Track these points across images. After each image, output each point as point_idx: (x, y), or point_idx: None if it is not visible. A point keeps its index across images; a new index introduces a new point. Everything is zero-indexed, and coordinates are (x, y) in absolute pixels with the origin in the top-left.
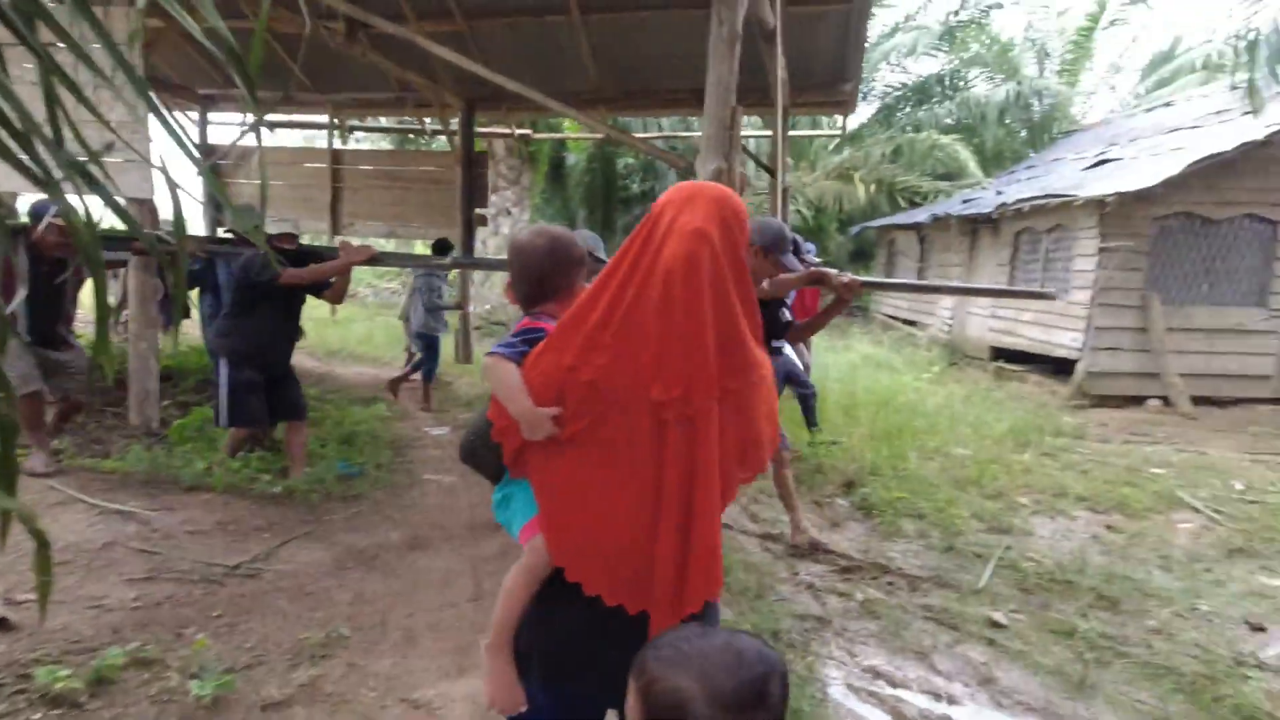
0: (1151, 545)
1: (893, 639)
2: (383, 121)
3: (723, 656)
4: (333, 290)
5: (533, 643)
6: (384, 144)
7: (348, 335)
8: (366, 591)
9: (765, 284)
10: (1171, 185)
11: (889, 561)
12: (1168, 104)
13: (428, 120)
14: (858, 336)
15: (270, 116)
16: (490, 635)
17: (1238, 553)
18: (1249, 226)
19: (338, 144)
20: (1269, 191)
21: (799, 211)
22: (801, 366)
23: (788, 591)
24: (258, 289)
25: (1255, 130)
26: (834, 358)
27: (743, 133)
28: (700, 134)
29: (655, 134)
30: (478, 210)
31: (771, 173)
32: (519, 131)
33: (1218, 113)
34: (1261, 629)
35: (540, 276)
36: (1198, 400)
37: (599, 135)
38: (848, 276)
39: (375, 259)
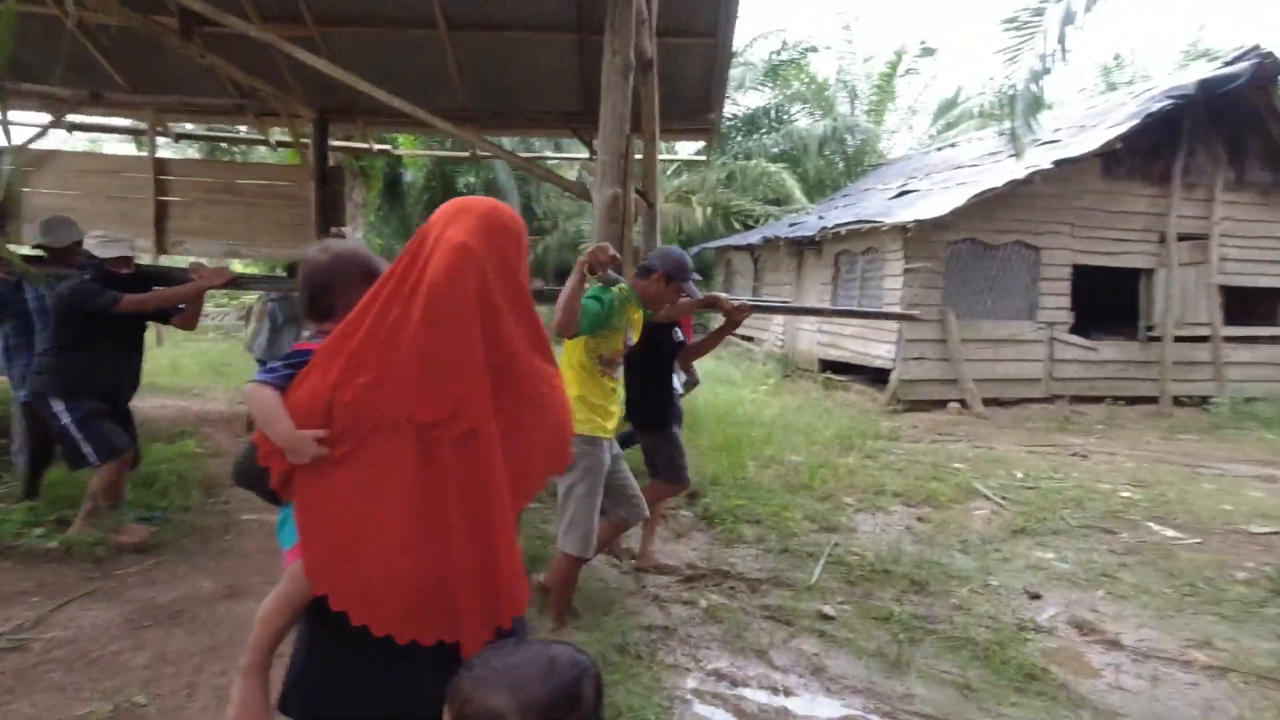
0: (954, 531)
1: (734, 640)
2: (188, 127)
3: (534, 666)
4: (183, 316)
5: (297, 670)
6: (191, 151)
7: (148, 365)
8: (169, 651)
9: (665, 309)
10: (959, 215)
11: (730, 567)
12: (954, 144)
13: (279, 130)
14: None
15: (71, 117)
16: (246, 656)
17: (1019, 532)
18: (1019, 251)
19: (164, 152)
20: (1032, 222)
21: (639, 232)
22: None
23: (634, 605)
24: (91, 317)
25: (1019, 170)
26: None
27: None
28: (549, 156)
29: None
30: (334, 229)
31: (646, 198)
32: (378, 147)
33: (992, 154)
34: (1038, 596)
35: (320, 292)
36: (988, 402)
37: (468, 154)
38: (738, 300)
39: (234, 282)
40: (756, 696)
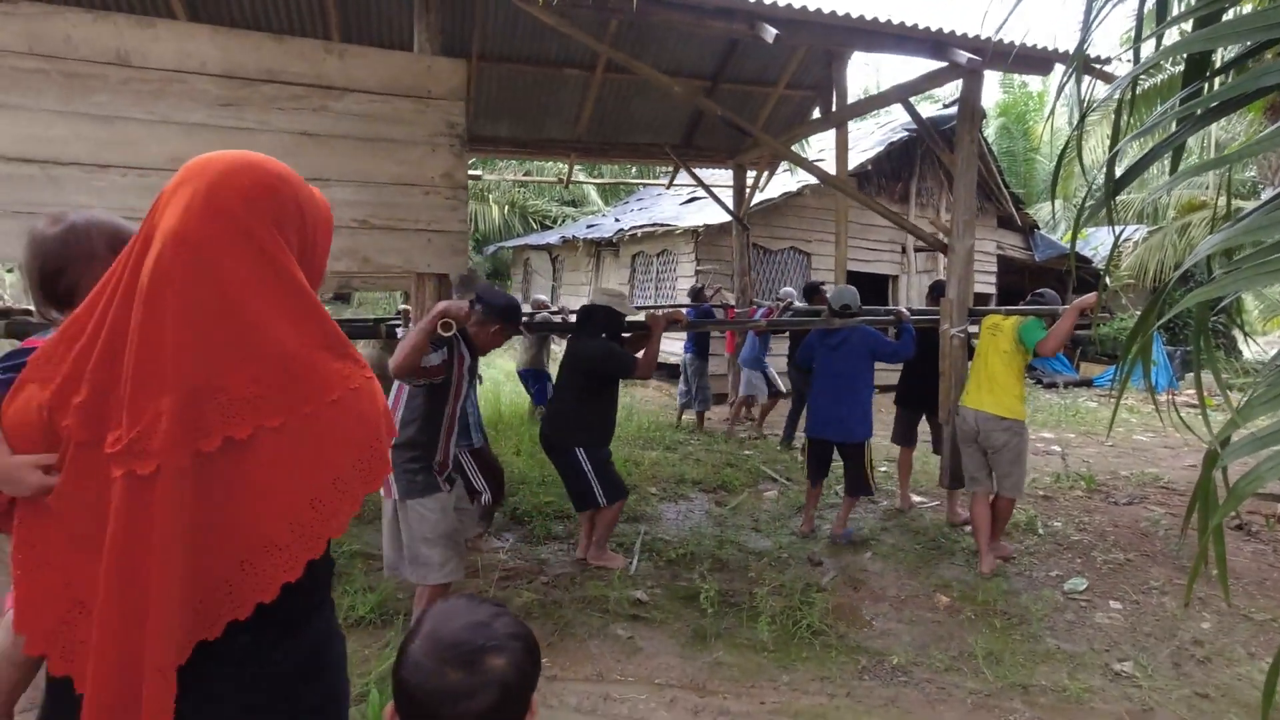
0: (747, 512)
1: (552, 634)
2: None
3: (455, 610)
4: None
5: None
6: None
7: None
8: None
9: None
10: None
11: (543, 564)
12: None
13: None
14: (498, 353)
15: None
16: None
17: (803, 508)
18: (794, 256)
19: None
20: (804, 230)
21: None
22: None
23: None
24: (610, 377)
25: (792, 184)
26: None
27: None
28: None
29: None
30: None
31: (737, 218)
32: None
33: None
34: (819, 563)
35: (53, 274)
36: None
37: (556, 180)
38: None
39: (679, 323)
40: (577, 686)
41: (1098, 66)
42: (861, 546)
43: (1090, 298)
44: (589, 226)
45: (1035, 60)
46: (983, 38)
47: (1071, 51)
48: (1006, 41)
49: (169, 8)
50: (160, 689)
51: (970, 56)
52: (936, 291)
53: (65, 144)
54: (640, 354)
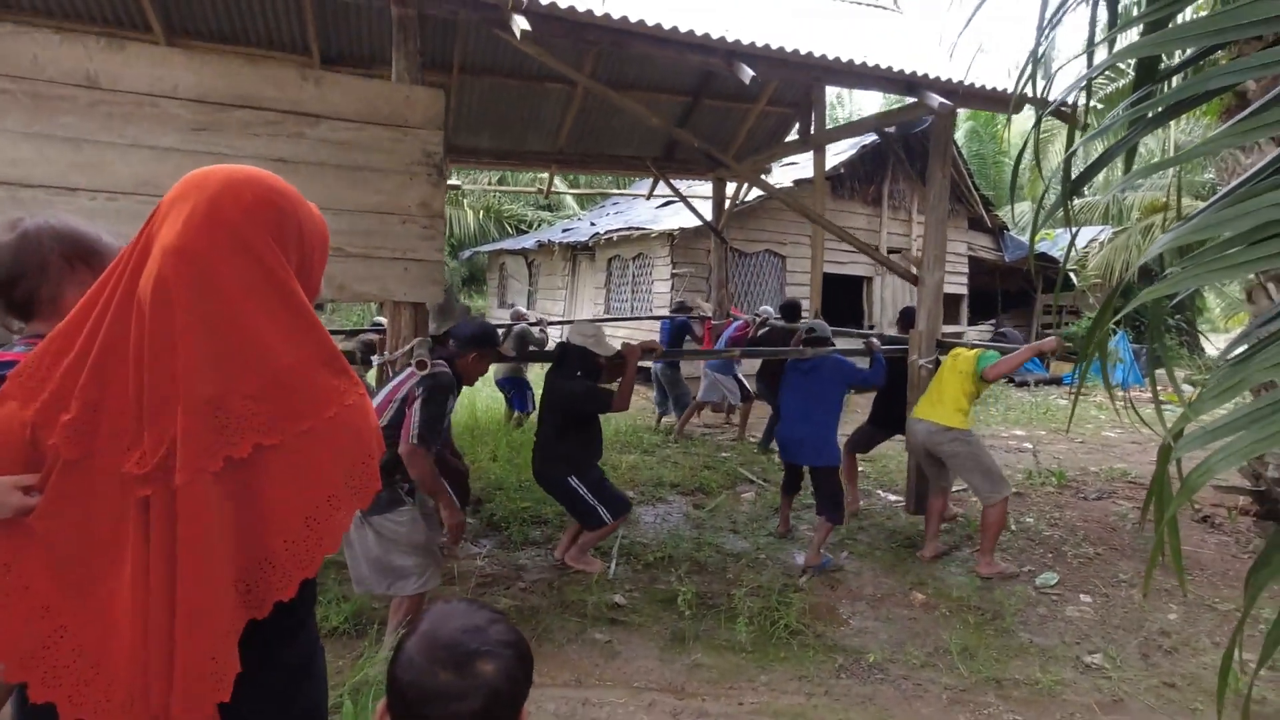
0: (725, 514)
1: (530, 640)
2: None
3: (452, 612)
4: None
5: None
6: None
7: None
8: None
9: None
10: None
11: (520, 570)
12: None
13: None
14: None
15: None
16: None
17: (779, 509)
18: (769, 259)
19: None
20: (779, 233)
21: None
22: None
23: None
24: (587, 413)
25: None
26: None
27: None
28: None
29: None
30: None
31: (716, 231)
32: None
33: None
34: (798, 562)
35: (6, 283)
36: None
37: (534, 189)
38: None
39: (654, 351)
40: (555, 692)
41: (1064, 109)
42: (838, 546)
43: (1049, 343)
44: (565, 231)
45: (1001, 100)
46: (953, 80)
47: (1031, 94)
48: (977, 86)
49: (146, 24)
50: (197, 677)
51: (942, 101)
52: (906, 319)
53: (32, 166)
54: (617, 387)
